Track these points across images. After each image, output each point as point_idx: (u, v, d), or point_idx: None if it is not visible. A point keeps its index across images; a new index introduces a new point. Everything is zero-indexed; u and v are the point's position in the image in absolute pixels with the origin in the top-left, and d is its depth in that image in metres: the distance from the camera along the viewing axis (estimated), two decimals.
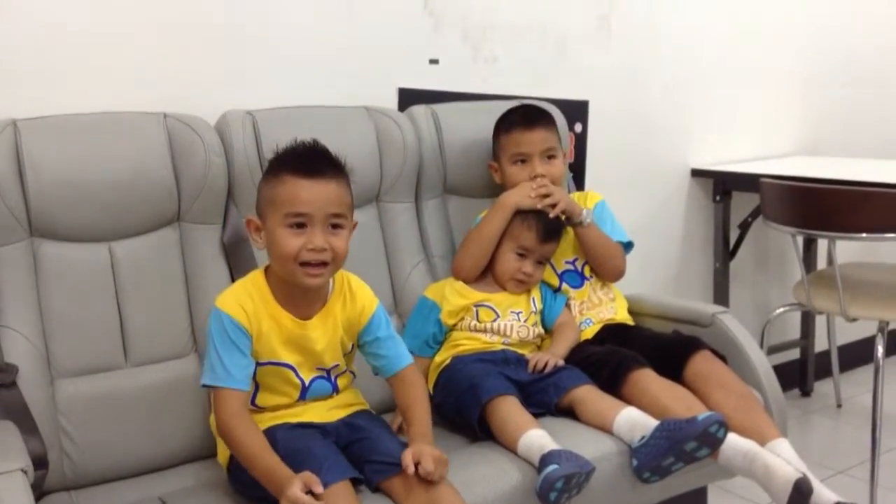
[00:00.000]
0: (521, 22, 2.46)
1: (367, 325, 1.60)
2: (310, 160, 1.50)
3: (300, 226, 1.47)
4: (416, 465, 1.41)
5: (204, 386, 1.50)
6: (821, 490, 1.62)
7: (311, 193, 1.46)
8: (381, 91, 2.20)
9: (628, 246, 2.09)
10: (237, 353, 1.47)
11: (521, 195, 1.98)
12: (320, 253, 1.47)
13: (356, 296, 1.60)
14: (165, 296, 1.73)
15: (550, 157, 2.04)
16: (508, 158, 2.04)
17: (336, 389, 1.60)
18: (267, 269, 1.57)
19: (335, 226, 1.50)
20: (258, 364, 1.53)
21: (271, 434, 1.49)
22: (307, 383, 1.56)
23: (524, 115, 2.06)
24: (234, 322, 1.48)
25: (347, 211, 1.52)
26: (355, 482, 1.44)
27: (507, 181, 2.05)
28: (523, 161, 2.03)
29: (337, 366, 1.60)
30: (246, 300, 1.51)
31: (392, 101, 2.22)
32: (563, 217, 1.99)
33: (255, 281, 1.55)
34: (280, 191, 1.48)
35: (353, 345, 1.62)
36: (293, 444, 1.46)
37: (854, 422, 2.96)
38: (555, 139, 2.06)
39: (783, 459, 1.62)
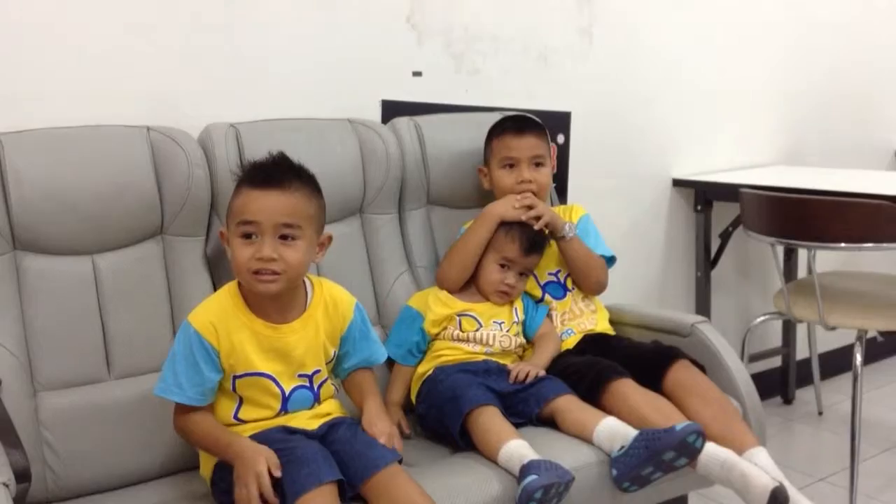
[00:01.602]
0: (503, 34, 2.48)
1: (350, 326, 1.64)
2: (263, 171, 1.52)
3: (251, 235, 1.49)
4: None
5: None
6: (797, 498, 1.65)
7: (260, 203, 1.48)
8: (364, 103, 2.22)
9: (611, 261, 2.12)
10: (194, 370, 1.50)
11: (505, 206, 2.01)
12: (268, 263, 1.48)
13: (337, 303, 1.63)
14: (149, 308, 1.74)
15: (538, 164, 2.07)
16: (498, 162, 2.08)
17: (317, 399, 1.61)
18: (240, 281, 1.59)
19: (286, 236, 1.50)
20: (236, 377, 1.54)
21: (256, 439, 1.50)
22: (288, 393, 1.57)
23: (516, 122, 2.11)
24: (201, 338, 1.50)
25: (304, 222, 1.52)
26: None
27: (495, 185, 2.09)
28: (511, 166, 2.06)
29: (318, 372, 1.61)
30: (217, 315, 1.53)
31: (375, 114, 2.24)
32: (547, 230, 2.02)
33: (229, 292, 1.57)
34: (235, 202, 1.52)
35: (334, 352, 1.64)
36: (283, 444, 1.47)
37: (835, 429, 2.99)
38: (544, 148, 2.10)
39: (760, 468, 1.64)
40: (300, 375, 1.59)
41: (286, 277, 1.51)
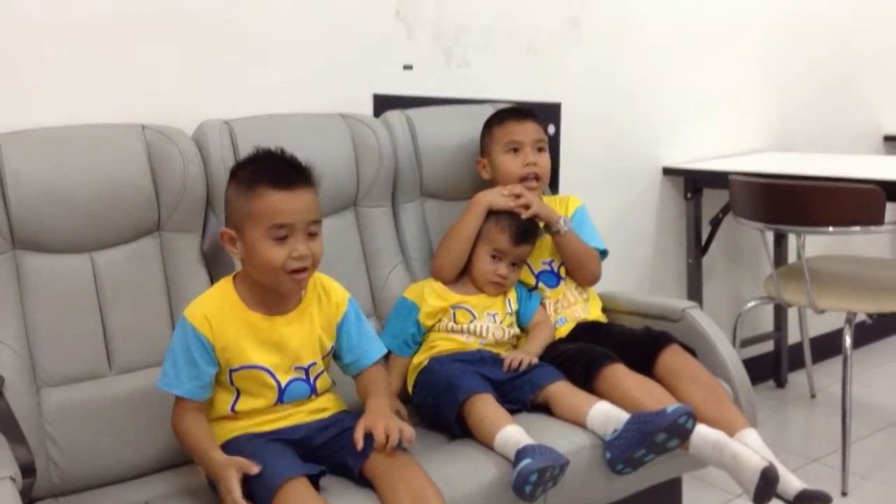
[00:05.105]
0: (492, 25, 2.50)
1: (343, 319, 1.66)
2: (285, 172, 1.55)
3: (282, 237, 1.52)
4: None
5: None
6: (787, 478, 1.68)
7: (292, 205, 1.52)
8: (356, 98, 2.24)
9: (603, 254, 2.14)
10: (192, 364, 1.53)
11: (494, 195, 2.04)
12: (304, 260, 1.53)
13: (330, 294, 1.67)
14: (147, 304, 1.77)
15: (541, 149, 2.10)
16: (501, 148, 2.10)
17: (314, 391, 1.63)
18: (235, 276, 1.62)
19: (312, 233, 1.56)
20: (232, 370, 1.57)
21: (241, 440, 1.54)
22: (284, 385, 1.59)
23: (516, 110, 2.15)
24: (196, 332, 1.53)
25: (320, 215, 1.59)
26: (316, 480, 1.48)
27: (498, 171, 2.10)
28: (516, 150, 2.09)
29: (314, 364, 1.63)
30: (212, 310, 1.56)
31: (367, 108, 2.26)
32: (542, 224, 2.04)
33: (223, 288, 1.61)
34: (258, 205, 1.52)
35: (331, 346, 1.66)
36: (250, 447, 1.50)
37: (827, 411, 3.02)
38: (544, 134, 2.14)
39: (751, 449, 1.67)
40: (296, 368, 1.61)
41: (312, 270, 1.57)
